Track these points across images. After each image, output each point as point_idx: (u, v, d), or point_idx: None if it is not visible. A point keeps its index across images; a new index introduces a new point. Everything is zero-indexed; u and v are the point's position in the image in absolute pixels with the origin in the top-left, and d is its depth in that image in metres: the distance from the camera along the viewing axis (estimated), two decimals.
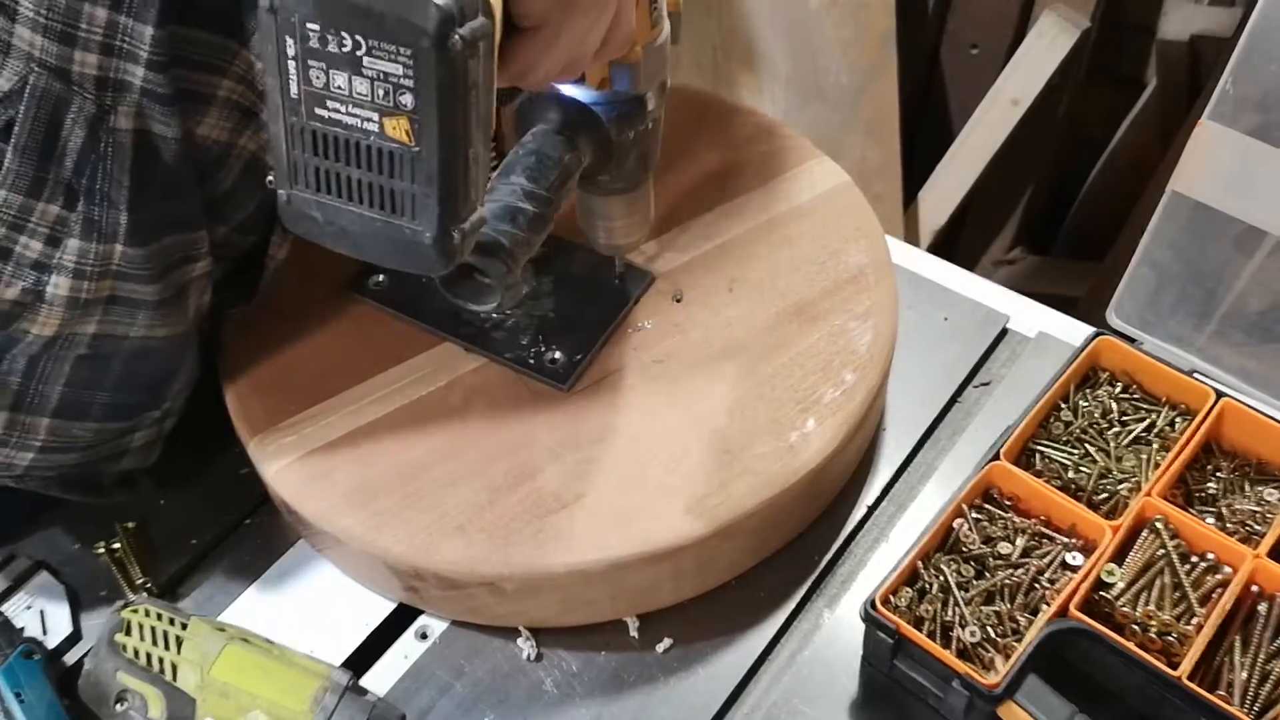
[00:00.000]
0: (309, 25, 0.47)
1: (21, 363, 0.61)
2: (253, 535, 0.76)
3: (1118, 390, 0.76)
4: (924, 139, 1.74)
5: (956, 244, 1.76)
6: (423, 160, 0.49)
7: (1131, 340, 0.78)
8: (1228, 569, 0.66)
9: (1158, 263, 0.79)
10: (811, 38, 1.50)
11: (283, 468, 0.71)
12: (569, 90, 0.66)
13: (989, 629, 0.65)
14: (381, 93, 0.48)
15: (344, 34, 0.47)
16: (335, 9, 0.47)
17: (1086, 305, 1.54)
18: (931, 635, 0.64)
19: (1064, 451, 0.73)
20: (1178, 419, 0.74)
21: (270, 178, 0.53)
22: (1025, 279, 1.75)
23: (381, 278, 0.80)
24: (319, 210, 0.51)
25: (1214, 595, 0.65)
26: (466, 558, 0.66)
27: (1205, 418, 0.72)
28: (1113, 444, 0.73)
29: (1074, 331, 0.85)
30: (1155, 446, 0.73)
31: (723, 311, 0.78)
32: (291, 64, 0.48)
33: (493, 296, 0.60)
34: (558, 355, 0.75)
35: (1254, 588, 0.66)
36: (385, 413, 0.73)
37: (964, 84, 1.71)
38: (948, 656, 0.62)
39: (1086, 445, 0.73)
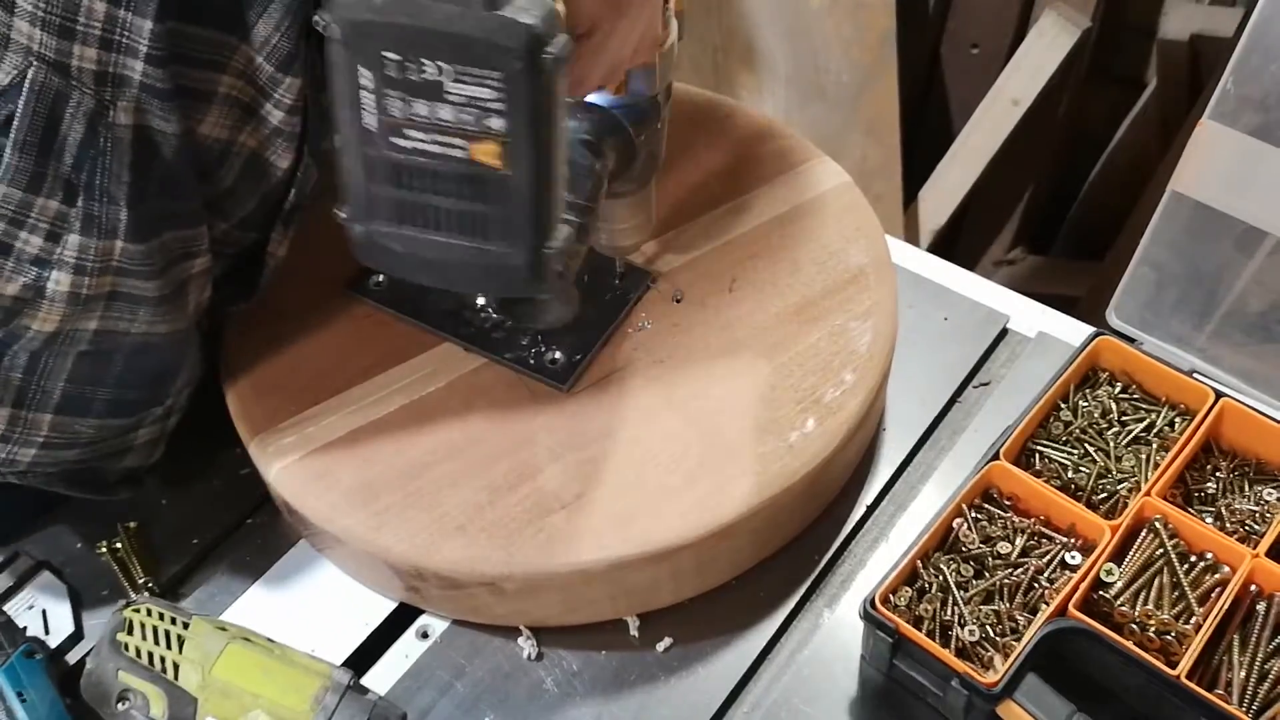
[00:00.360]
0: (386, 55, 0.46)
1: (23, 359, 0.61)
2: (254, 535, 0.76)
3: (1117, 390, 0.76)
4: (924, 139, 1.74)
5: (956, 244, 1.77)
6: (513, 182, 0.47)
7: (1131, 340, 0.78)
8: (1226, 568, 0.66)
9: (1158, 263, 0.79)
10: (812, 37, 1.50)
11: (284, 468, 0.71)
12: (590, 97, 0.66)
13: (988, 628, 0.65)
14: (468, 118, 0.46)
15: (425, 61, 0.45)
16: (416, 37, 0.45)
17: (1086, 305, 1.54)
18: (931, 635, 0.65)
19: (1063, 451, 0.73)
20: (1177, 419, 0.74)
21: (342, 212, 0.51)
22: (1025, 279, 1.75)
23: (381, 278, 0.80)
24: (399, 243, 0.50)
25: (1212, 595, 0.65)
26: (467, 557, 0.66)
27: (1205, 418, 0.72)
28: (1112, 444, 0.73)
29: (1074, 331, 0.85)
30: (1155, 446, 0.73)
31: (723, 311, 0.78)
32: (367, 96, 0.47)
33: (553, 312, 0.59)
34: (558, 355, 0.75)
35: (1252, 587, 0.66)
36: (386, 413, 0.73)
37: (964, 84, 1.71)
38: (947, 656, 0.62)
39: (1086, 445, 0.73)
